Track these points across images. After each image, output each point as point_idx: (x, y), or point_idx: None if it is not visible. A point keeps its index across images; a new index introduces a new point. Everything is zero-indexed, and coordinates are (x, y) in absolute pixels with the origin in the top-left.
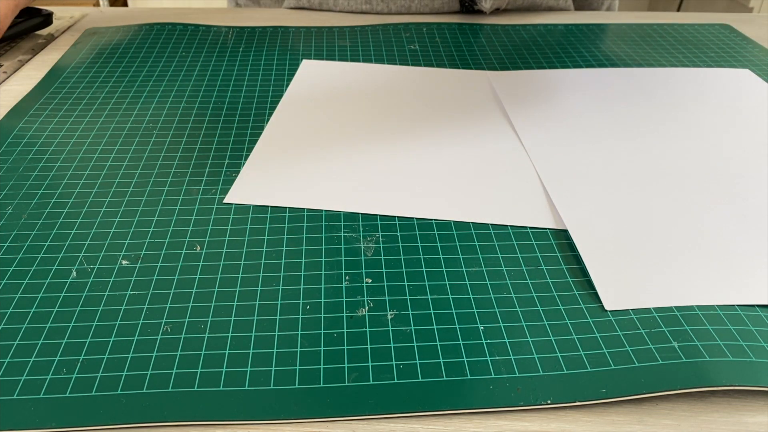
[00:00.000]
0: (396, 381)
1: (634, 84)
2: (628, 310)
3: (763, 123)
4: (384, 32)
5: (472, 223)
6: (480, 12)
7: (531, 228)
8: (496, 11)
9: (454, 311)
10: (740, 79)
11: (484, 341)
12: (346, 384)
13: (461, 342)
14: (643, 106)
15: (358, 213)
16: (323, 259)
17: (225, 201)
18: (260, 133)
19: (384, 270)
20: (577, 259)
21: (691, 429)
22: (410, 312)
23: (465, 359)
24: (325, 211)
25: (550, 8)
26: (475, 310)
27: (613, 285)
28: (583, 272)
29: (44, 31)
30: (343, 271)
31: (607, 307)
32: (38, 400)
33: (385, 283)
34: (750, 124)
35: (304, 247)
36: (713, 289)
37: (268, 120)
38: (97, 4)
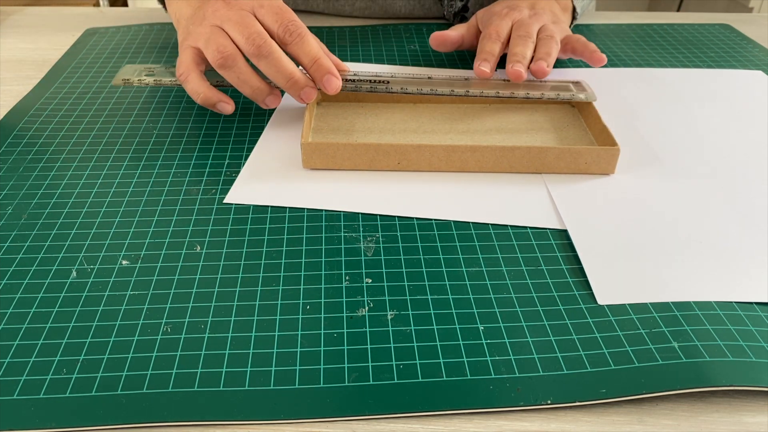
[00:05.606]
0: (396, 381)
1: (644, 84)
2: (628, 310)
3: None
4: (384, 32)
5: (472, 223)
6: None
7: (531, 228)
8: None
9: (454, 311)
10: (752, 80)
11: (484, 341)
12: (346, 384)
13: (461, 342)
14: (653, 106)
15: (358, 213)
16: (323, 259)
17: (225, 201)
18: (260, 133)
19: (384, 270)
20: (577, 259)
21: (691, 429)
22: (410, 312)
23: (465, 359)
24: (325, 211)
25: None
26: (475, 310)
27: (607, 280)
28: (583, 272)
29: None
30: (343, 271)
31: (600, 302)
32: (38, 400)
33: (385, 283)
34: (757, 123)
35: (304, 247)
36: (710, 285)
37: (268, 120)
38: (97, 4)
